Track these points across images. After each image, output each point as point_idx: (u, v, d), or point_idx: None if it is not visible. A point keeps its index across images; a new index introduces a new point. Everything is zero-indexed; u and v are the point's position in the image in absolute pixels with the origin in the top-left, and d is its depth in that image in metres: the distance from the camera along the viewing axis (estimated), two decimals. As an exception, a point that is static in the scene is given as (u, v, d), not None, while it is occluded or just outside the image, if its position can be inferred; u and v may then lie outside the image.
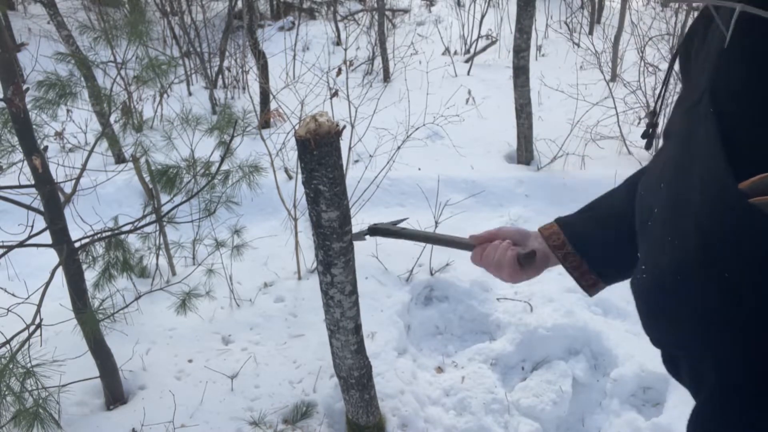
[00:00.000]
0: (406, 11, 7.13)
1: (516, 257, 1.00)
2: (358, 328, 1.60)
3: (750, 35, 0.62)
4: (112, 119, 2.71)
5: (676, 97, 0.81)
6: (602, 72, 3.89)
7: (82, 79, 2.05)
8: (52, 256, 1.66)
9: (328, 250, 1.40)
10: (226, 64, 4.69)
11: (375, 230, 1.18)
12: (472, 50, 5.53)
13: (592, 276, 0.95)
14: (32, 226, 1.79)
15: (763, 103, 0.61)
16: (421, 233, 1.24)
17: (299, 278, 2.59)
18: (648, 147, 0.98)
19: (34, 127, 1.55)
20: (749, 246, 0.59)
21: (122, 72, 2.57)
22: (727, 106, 0.64)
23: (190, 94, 4.63)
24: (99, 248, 2.04)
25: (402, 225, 1.24)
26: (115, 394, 1.95)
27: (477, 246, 1.09)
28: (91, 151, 1.89)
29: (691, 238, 0.66)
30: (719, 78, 0.66)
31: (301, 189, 1.53)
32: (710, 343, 0.66)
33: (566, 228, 0.97)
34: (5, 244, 1.64)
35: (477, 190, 3.19)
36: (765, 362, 0.60)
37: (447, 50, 5.56)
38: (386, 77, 4.93)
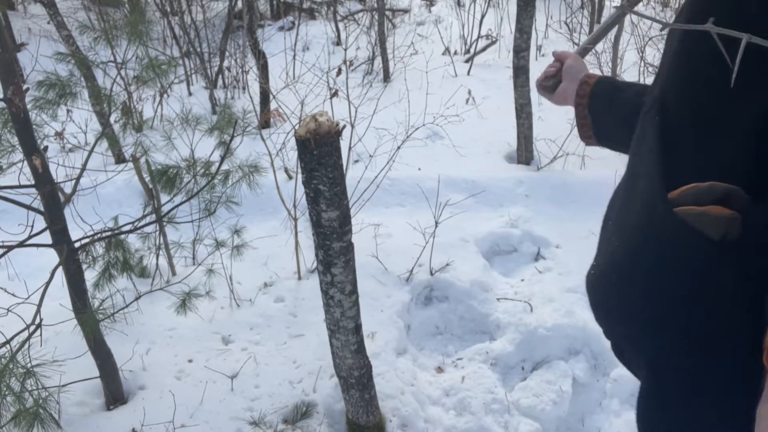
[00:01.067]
0: (406, 11, 7.13)
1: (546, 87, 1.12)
2: (358, 328, 1.61)
3: (689, 44, 0.65)
4: (112, 119, 2.71)
5: None
6: (602, 72, 3.89)
7: (82, 79, 2.05)
8: (52, 256, 1.66)
9: (328, 249, 1.40)
10: (226, 64, 4.69)
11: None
12: (472, 50, 5.53)
13: (590, 132, 1.04)
14: (32, 226, 1.79)
15: (698, 108, 0.63)
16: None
17: (299, 278, 2.59)
18: None
19: (34, 127, 1.55)
20: (670, 253, 0.63)
21: (122, 72, 2.57)
22: (672, 112, 0.66)
23: (190, 94, 4.63)
24: (99, 248, 2.04)
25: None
26: (115, 394, 1.95)
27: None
28: (91, 151, 1.89)
29: (627, 240, 0.70)
30: (667, 85, 0.68)
31: (301, 189, 1.53)
32: (638, 335, 0.71)
33: (595, 91, 1.02)
34: (5, 244, 1.64)
35: (477, 190, 3.19)
36: (686, 353, 0.65)
37: (447, 50, 5.56)
38: (386, 77, 4.93)
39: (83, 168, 1.85)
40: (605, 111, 1.01)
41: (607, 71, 4.09)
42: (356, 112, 2.71)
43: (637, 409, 0.78)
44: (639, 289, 0.69)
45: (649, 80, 3.67)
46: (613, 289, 0.73)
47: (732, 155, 0.59)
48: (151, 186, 2.37)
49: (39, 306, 1.59)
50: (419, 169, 3.36)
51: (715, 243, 0.59)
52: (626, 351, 0.80)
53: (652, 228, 0.65)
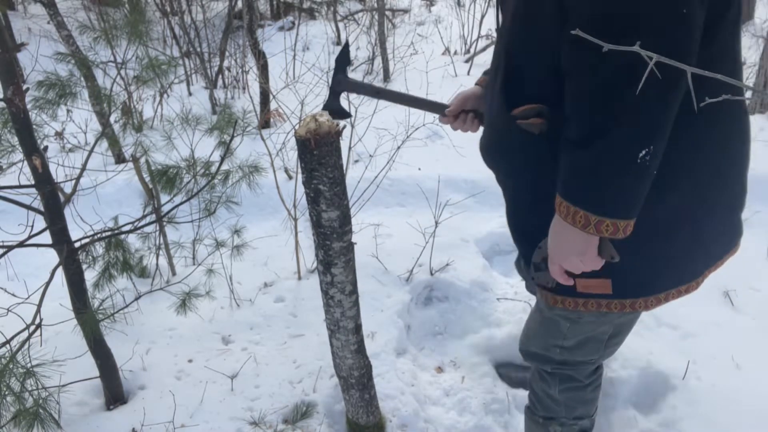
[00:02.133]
0: (406, 11, 7.13)
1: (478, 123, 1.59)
2: (358, 328, 1.60)
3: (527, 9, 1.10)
4: (112, 119, 2.72)
5: None
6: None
7: (82, 79, 2.06)
8: (52, 256, 1.66)
9: (328, 249, 1.40)
10: (226, 64, 4.69)
11: (342, 83, 1.41)
12: (472, 50, 5.53)
13: None
14: (32, 226, 1.79)
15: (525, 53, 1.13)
16: (393, 92, 1.53)
17: (299, 278, 2.59)
18: None
19: (34, 127, 1.55)
20: (513, 141, 1.19)
21: (122, 72, 2.57)
22: (510, 56, 1.16)
23: (190, 94, 4.63)
24: (99, 248, 2.04)
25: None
26: (115, 394, 1.95)
27: (450, 118, 1.61)
28: (91, 151, 1.89)
29: (489, 132, 1.32)
30: (509, 38, 1.16)
31: (301, 189, 1.53)
32: (503, 180, 1.34)
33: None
34: (5, 244, 1.64)
35: (477, 190, 3.19)
36: (525, 188, 1.26)
37: (447, 50, 5.56)
38: (386, 77, 4.93)
39: (83, 168, 1.85)
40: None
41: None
42: (356, 112, 2.71)
43: (507, 219, 1.37)
44: (498, 158, 1.30)
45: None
46: (488, 155, 1.33)
47: (543, 78, 1.10)
48: (151, 186, 2.37)
49: (39, 306, 1.59)
50: (419, 169, 3.36)
51: (536, 136, 1.13)
52: (500, 183, 1.36)
53: (503, 128, 1.21)
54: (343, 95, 1.63)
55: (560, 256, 1.10)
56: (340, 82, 1.39)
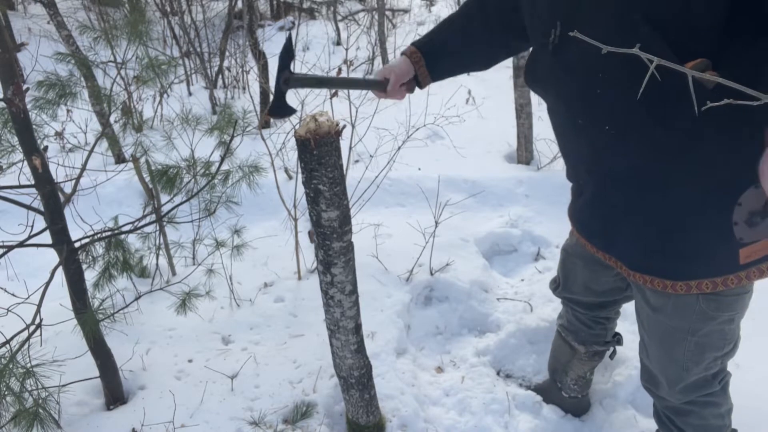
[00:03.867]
0: (406, 11, 7.13)
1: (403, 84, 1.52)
2: (358, 328, 1.61)
3: None
4: (112, 119, 2.72)
5: None
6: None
7: (82, 79, 2.06)
8: (52, 256, 1.66)
9: (328, 249, 1.40)
10: (226, 64, 4.69)
11: (291, 80, 1.36)
12: (472, 50, 5.52)
13: (427, 77, 1.53)
14: (32, 226, 1.79)
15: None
16: (335, 78, 1.50)
17: (299, 278, 2.59)
18: None
19: (34, 127, 1.55)
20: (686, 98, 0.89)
21: (122, 72, 2.57)
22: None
23: (190, 94, 4.63)
24: (99, 248, 2.04)
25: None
26: (115, 394, 1.95)
27: (379, 88, 1.49)
28: (91, 151, 1.89)
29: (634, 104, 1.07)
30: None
31: (301, 189, 1.53)
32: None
33: (425, 55, 1.49)
34: (5, 244, 1.64)
35: (477, 190, 3.19)
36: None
37: (447, 50, 5.56)
38: (386, 77, 4.92)
39: (83, 168, 1.85)
40: (438, 57, 1.49)
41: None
42: (357, 111, 2.71)
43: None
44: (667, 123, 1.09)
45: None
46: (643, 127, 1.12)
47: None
48: (151, 186, 2.37)
49: (39, 306, 1.59)
50: (419, 169, 3.36)
51: (709, 89, 0.97)
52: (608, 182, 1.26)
53: (671, 89, 0.97)
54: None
55: None
56: (288, 79, 1.34)
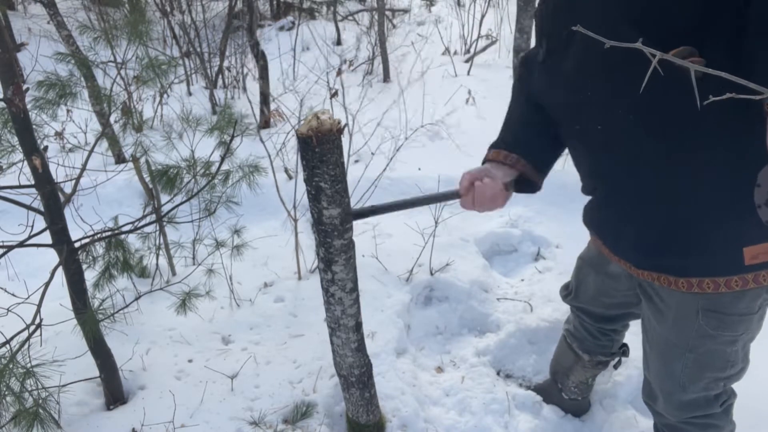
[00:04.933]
0: (406, 11, 7.13)
1: (504, 186, 1.35)
2: (358, 326, 1.60)
3: None
4: (112, 119, 2.71)
5: None
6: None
7: (82, 79, 2.05)
8: (52, 256, 1.66)
9: (329, 247, 1.40)
10: (226, 64, 4.69)
11: (356, 215, 1.34)
12: (472, 50, 5.53)
13: (537, 174, 1.41)
14: (32, 226, 1.79)
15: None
16: (404, 201, 1.39)
17: (299, 278, 2.59)
18: None
19: (34, 127, 1.54)
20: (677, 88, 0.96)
21: (122, 72, 2.57)
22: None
23: (190, 94, 4.63)
24: (99, 248, 2.04)
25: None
26: (115, 394, 1.95)
27: (463, 194, 1.36)
28: (91, 151, 1.89)
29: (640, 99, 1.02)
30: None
31: (301, 189, 1.53)
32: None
33: (515, 149, 1.41)
34: (5, 244, 1.63)
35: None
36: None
37: (447, 50, 5.56)
38: (386, 77, 4.93)
39: (83, 168, 1.85)
40: (536, 149, 1.43)
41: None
42: (356, 112, 2.71)
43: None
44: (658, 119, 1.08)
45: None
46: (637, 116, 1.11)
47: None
48: (151, 186, 2.37)
49: (39, 306, 1.59)
50: (419, 168, 3.36)
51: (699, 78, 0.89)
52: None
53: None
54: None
55: None
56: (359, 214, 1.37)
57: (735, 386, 1.45)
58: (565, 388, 1.93)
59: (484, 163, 1.43)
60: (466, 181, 1.35)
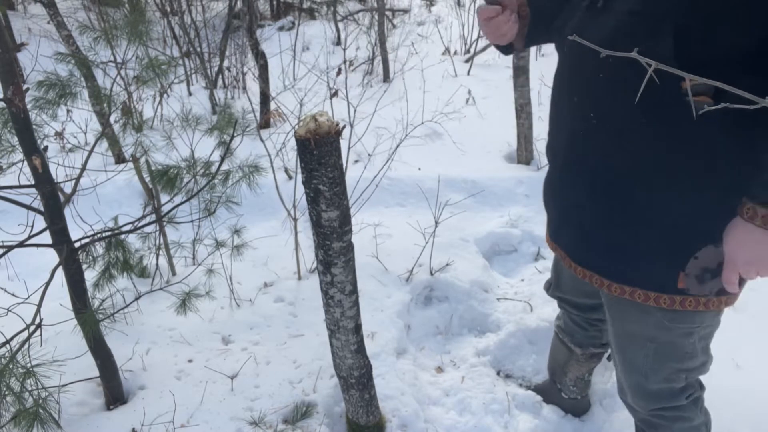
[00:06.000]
0: (406, 11, 7.13)
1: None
2: (358, 328, 1.61)
3: None
4: (112, 119, 2.71)
5: None
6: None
7: (82, 79, 2.05)
8: (52, 256, 1.66)
9: (328, 249, 1.40)
10: (226, 64, 4.69)
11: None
12: (472, 50, 5.53)
13: (522, 41, 1.44)
14: (32, 226, 1.79)
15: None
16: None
17: (299, 278, 2.59)
18: None
19: (34, 127, 1.54)
20: (681, 114, 1.01)
21: (122, 72, 2.57)
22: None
23: (190, 94, 4.63)
24: (99, 248, 2.04)
25: None
26: (115, 394, 1.95)
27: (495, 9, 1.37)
28: (91, 151, 1.89)
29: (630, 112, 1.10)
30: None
31: (301, 189, 1.53)
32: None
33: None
34: (5, 244, 1.64)
35: (477, 190, 3.19)
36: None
37: (447, 50, 5.56)
38: (386, 77, 4.93)
39: (83, 168, 1.85)
40: (540, 18, 1.40)
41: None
42: (355, 112, 2.71)
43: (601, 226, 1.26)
44: (635, 141, 1.11)
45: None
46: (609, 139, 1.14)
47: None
48: (151, 186, 2.37)
49: (39, 306, 1.59)
50: (419, 168, 3.36)
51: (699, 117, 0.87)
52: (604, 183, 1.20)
53: (668, 102, 1.02)
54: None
55: (758, 264, 1.05)
56: None
57: (709, 380, 1.46)
58: (564, 387, 1.93)
59: None
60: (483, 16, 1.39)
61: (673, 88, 1.00)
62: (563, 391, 1.94)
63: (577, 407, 1.98)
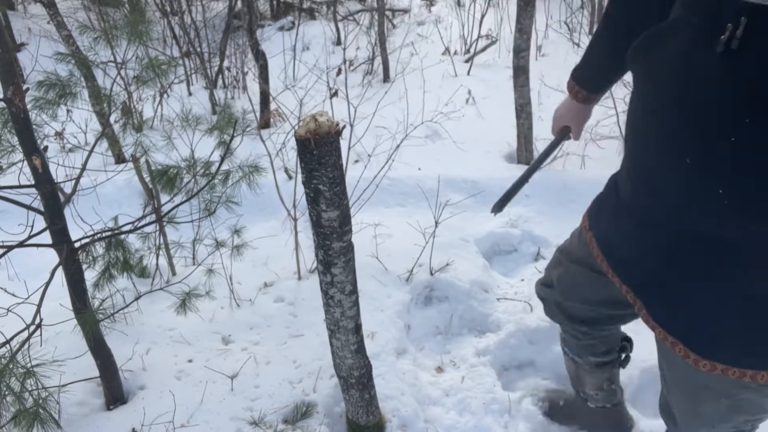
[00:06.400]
0: (406, 11, 7.13)
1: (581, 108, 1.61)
2: (358, 328, 1.61)
3: None
4: (112, 119, 2.71)
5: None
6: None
7: (82, 79, 2.05)
8: (52, 256, 1.66)
9: (328, 249, 1.40)
10: (226, 64, 4.69)
11: (502, 204, 1.70)
12: (472, 50, 5.53)
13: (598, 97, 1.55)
14: (32, 226, 1.79)
15: None
16: (524, 174, 1.79)
17: (299, 278, 2.59)
18: None
19: (34, 127, 1.54)
20: None
21: (122, 72, 2.57)
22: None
23: (190, 94, 4.63)
24: (99, 248, 2.04)
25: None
26: (115, 394, 1.95)
27: (567, 137, 1.65)
28: (91, 151, 1.89)
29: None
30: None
31: (301, 189, 1.53)
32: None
33: (587, 87, 1.53)
34: (5, 244, 1.64)
35: (477, 190, 3.19)
36: None
37: (447, 50, 5.56)
38: (386, 77, 4.93)
39: (83, 168, 1.85)
40: (600, 84, 1.51)
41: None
42: (356, 112, 2.71)
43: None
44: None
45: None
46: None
47: None
48: (151, 186, 2.37)
49: (39, 306, 1.59)
50: (419, 169, 3.36)
51: None
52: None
53: None
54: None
55: None
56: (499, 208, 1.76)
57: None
58: (588, 396, 1.80)
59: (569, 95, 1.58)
60: (558, 123, 1.65)
61: None
62: (588, 400, 1.82)
63: (609, 416, 1.84)
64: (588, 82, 1.51)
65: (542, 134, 3.53)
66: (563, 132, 1.65)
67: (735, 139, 0.83)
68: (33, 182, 1.57)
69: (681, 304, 1.08)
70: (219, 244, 2.45)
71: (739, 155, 0.84)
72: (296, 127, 1.30)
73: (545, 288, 1.69)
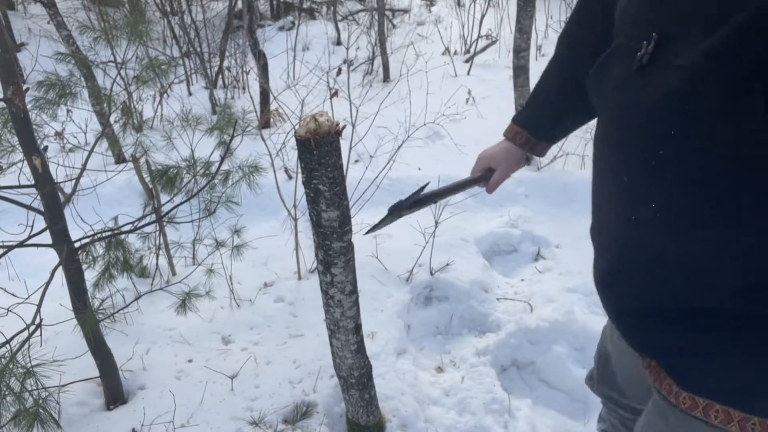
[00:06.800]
0: (406, 11, 7.14)
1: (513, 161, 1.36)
2: (358, 328, 1.60)
3: None
4: (112, 119, 2.72)
5: None
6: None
7: (82, 79, 2.05)
8: (52, 256, 1.66)
9: (328, 249, 1.40)
10: (226, 64, 4.70)
11: (394, 210, 1.35)
12: (472, 50, 5.53)
13: (543, 145, 1.33)
14: (32, 226, 1.79)
15: None
16: (434, 193, 1.40)
17: (299, 278, 2.59)
18: None
19: (34, 127, 1.54)
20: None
21: (122, 72, 2.57)
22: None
23: (190, 94, 4.63)
24: (99, 248, 2.04)
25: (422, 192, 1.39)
26: (115, 394, 1.95)
27: (484, 182, 1.38)
28: (91, 151, 1.89)
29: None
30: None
31: (301, 189, 1.53)
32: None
33: (528, 128, 1.32)
34: (5, 244, 1.64)
35: (477, 190, 3.18)
36: None
37: (447, 50, 5.56)
38: (386, 77, 4.93)
39: (83, 168, 1.85)
40: (546, 128, 1.30)
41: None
42: (357, 112, 2.71)
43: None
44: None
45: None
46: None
47: None
48: (151, 186, 2.37)
49: (39, 306, 1.59)
50: (419, 169, 3.36)
51: None
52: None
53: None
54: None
55: None
56: (398, 212, 1.33)
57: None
58: None
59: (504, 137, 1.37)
60: (481, 164, 1.39)
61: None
62: None
63: None
64: (532, 124, 1.29)
65: (542, 134, 3.53)
66: (481, 177, 1.37)
67: (663, 152, 0.81)
68: (33, 182, 1.57)
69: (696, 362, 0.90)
70: (219, 244, 2.45)
71: (667, 168, 0.81)
72: (296, 127, 1.30)
73: (590, 376, 1.45)
